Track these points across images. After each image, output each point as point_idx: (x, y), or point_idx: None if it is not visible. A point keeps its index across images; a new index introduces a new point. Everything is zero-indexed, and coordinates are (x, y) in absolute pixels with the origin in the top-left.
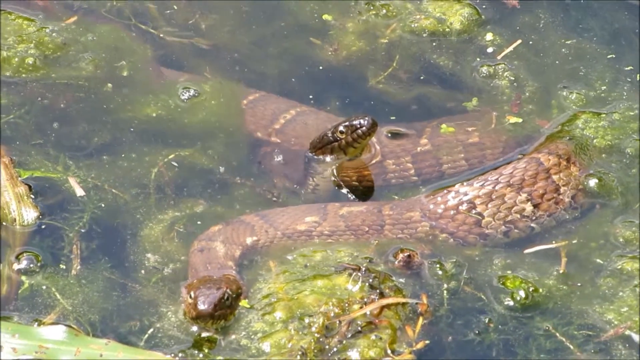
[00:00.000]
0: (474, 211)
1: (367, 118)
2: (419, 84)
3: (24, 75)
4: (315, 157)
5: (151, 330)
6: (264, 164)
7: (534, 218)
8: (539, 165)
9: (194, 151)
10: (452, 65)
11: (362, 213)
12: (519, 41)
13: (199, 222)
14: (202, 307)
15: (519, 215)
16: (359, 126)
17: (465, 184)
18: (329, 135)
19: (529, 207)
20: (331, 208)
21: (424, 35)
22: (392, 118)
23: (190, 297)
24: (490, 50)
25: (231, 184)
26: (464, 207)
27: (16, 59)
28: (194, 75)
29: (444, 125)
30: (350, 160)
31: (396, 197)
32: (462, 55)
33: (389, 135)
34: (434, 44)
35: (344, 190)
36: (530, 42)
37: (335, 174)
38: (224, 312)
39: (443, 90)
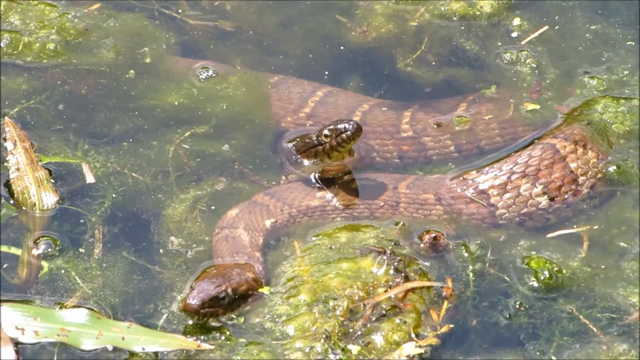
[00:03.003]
0: (485, 201)
1: (351, 122)
2: (447, 67)
3: (45, 60)
4: (300, 160)
5: (172, 312)
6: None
7: (550, 210)
8: (555, 153)
9: (213, 132)
10: (477, 50)
11: (377, 187)
12: (546, 27)
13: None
14: (190, 301)
15: (534, 208)
16: (343, 130)
17: (480, 172)
18: (314, 138)
19: (545, 201)
20: (340, 182)
21: (454, 18)
22: (384, 109)
23: (191, 286)
24: (515, 35)
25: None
26: (478, 196)
27: (37, 45)
28: (210, 61)
29: (457, 118)
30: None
31: (419, 172)
32: (489, 40)
33: (436, 126)
34: (462, 27)
35: (322, 195)
36: (556, 27)
37: (318, 176)
38: (214, 310)
39: (471, 72)
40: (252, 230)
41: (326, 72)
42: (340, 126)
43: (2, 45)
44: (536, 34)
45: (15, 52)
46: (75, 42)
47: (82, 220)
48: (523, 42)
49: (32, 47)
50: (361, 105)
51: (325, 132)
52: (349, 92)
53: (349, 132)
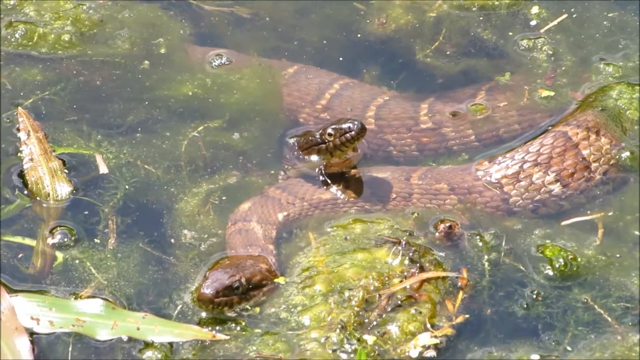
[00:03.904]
0: (498, 189)
1: (356, 122)
2: (465, 57)
3: (60, 52)
4: (302, 156)
5: (186, 304)
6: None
7: (563, 197)
8: (567, 141)
9: (226, 125)
10: (496, 39)
11: (388, 180)
12: (565, 15)
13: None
14: (204, 290)
15: (547, 195)
16: (347, 130)
17: (493, 162)
18: (317, 136)
19: (557, 188)
20: (350, 175)
21: (473, 9)
22: (385, 98)
23: (205, 276)
24: (533, 23)
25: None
26: (491, 184)
27: (52, 36)
28: (226, 50)
29: (473, 107)
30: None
31: (432, 164)
32: (508, 29)
33: (452, 115)
34: (481, 17)
35: (334, 189)
36: (574, 15)
37: (323, 170)
38: (228, 300)
39: (488, 62)
40: (265, 224)
41: (341, 58)
42: (345, 126)
43: (17, 36)
44: (555, 22)
45: (30, 43)
46: (90, 33)
47: (95, 211)
48: (542, 31)
49: (47, 39)
50: (375, 99)
51: (329, 130)
52: (366, 85)
53: (353, 132)
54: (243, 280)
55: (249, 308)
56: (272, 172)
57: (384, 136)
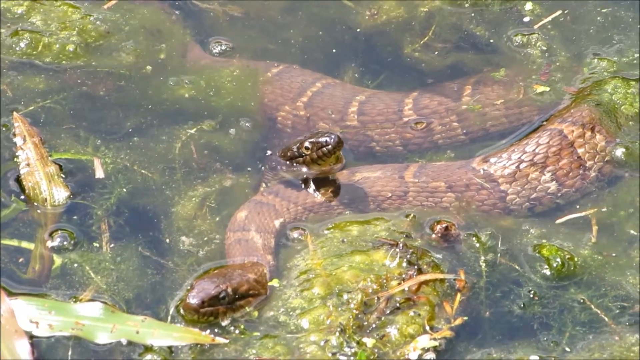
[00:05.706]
0: (490, 185)
1: (332, 136)
2: (455, 52)
3: (64, 62)
4: (279, 166)
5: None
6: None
7: (559, 194)
8: (563, 139)
9: (218, 127)
10: (488, 35)
11: (381, 179)
12: (559, 12)
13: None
14: (189, 299)
15: (543, 193)
16: (324, 144)
17: (488, 161)
18: (295, 150)
19: (553, 186)
20: (340, 177)
21: (466, 5)
22: (368, 95)
23: (191, 285)
24: (527, 19)
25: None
26: (487, 184)
27: (57, 46)
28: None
29: (470, 106)
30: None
31: (418, 160)
32: (501, 25)
33: (413, 125)
34: (473, 14)
35: (326, 192)
36: (566, 11)
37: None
38: (213, 309)
39: (478, 57)
40: (264, 232)
41: (333, 50)
42: (322, 139)
43: (22, 45)
44: (549, 18)
45: (34, 52)
46: (95, 44)
47: (93, 216)
48: (536, 27)
49: (51, 48)
50: (358, 96)
51: (306, 144)
52: (347, 85)
53: (329, 146)
54: (229, 290)
55: (237, 319)
56: (249, 168)
57: (366, 132)
